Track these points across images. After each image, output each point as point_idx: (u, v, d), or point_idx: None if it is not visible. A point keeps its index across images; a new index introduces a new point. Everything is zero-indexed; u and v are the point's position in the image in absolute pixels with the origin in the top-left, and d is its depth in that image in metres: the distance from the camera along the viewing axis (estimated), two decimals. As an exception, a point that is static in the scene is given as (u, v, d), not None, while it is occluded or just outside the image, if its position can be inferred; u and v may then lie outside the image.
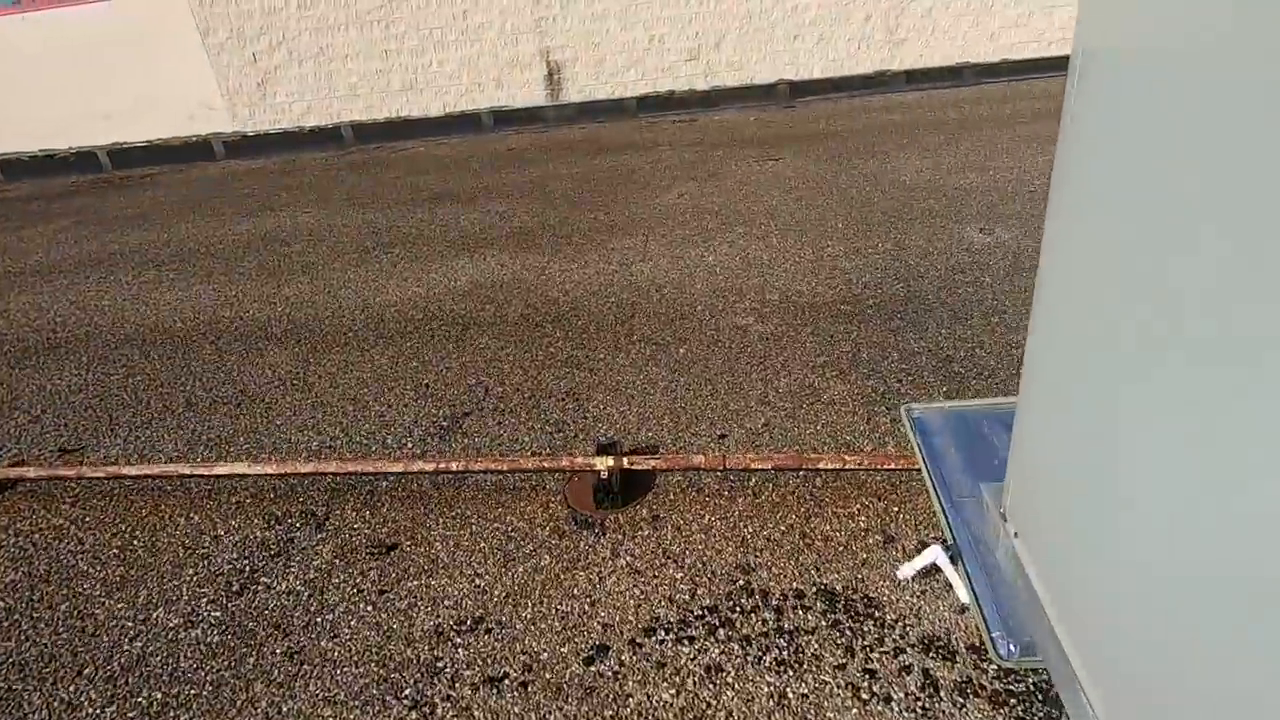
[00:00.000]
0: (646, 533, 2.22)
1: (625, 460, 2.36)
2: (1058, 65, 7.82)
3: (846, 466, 2.29)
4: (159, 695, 1.85)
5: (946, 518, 2.03)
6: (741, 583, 2.02)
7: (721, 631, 1.88)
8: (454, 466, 2.42)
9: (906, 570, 1.95)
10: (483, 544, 2.23)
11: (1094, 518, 1.14)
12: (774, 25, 7.71)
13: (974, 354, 2.98)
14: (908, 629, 1.85)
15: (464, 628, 1.95)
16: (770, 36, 7.77)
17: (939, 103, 7.20)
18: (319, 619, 2.02)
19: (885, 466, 2.29)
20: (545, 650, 1.87)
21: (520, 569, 2.13)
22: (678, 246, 4.35)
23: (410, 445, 2.75)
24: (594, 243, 4.55)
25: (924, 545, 2.09)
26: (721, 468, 2.33)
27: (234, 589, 2.15)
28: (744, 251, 4.18)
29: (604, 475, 2.32)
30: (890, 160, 5.52)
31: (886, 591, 1.96)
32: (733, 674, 1.76)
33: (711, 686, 1.74)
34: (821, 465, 2.29)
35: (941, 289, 3.53)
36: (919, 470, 2.23)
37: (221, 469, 2.52)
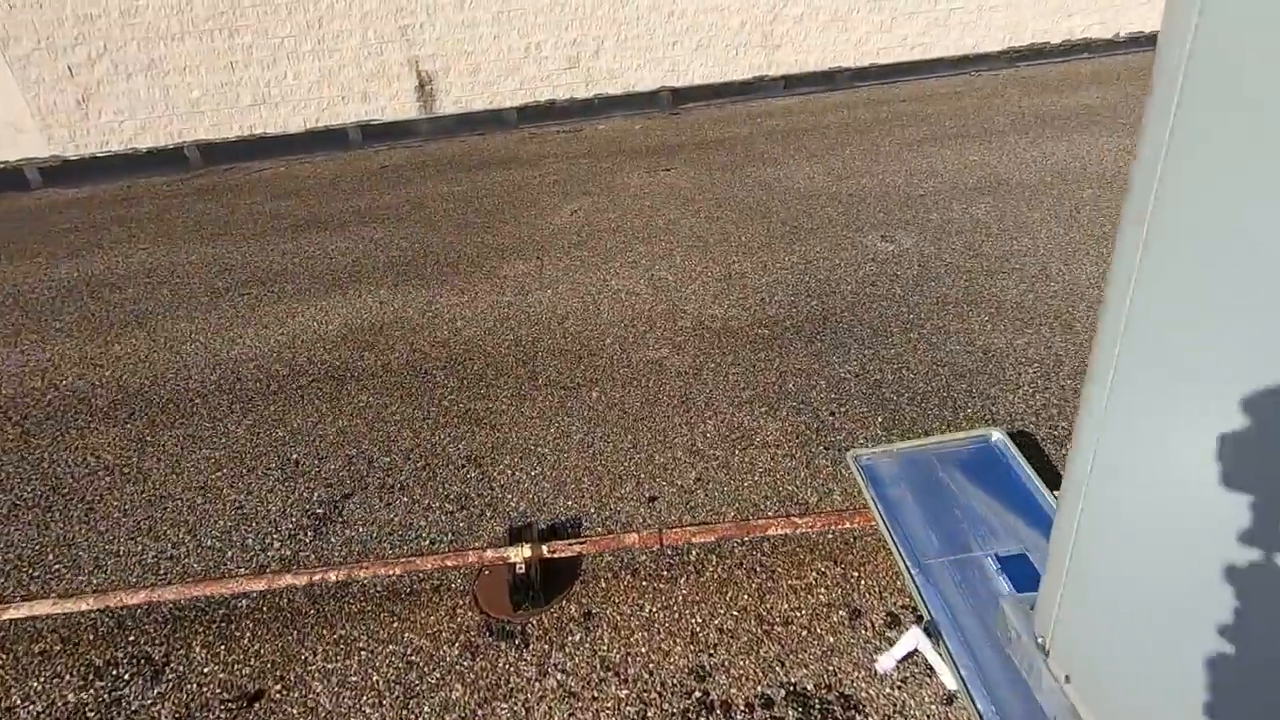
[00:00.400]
0: (578, 637, 1.83)
1: (545, 547, 1.96)
2: (920, 68, 8.01)
3: (798, 530, 1.99)
4: None
5: (917, 586, 1.76)
6: (698, 694, 1.67)
7: (683, 768, 1.52)
8: (334, 576, 1.94)
9: (886, 662, 1.66)
10: (376, 677, 1.77)
11: (1209, 667, 0.86)
12: (652, 32, 7.45)
13: (901, 376, 2.78)
14: (896, 734, 1.56)
15: (357, 807, 1.49)
16: (649, 43, 7.50)
17: (818, 107, 7.18)
18: (156, 821, 1.50)
19: (840, 526, 2.01)
20: (466, 828, 1.45)
21: (426, 708, 1.68)
22: (577, 270, 3.97)
23: (278, 545, 2.22)
24: (484, 270, 4.08)
25: (893, 618, 1.82)
26: (658, 545, 1.98)
27: (33, 789, 1.58)
28: (649, 273, 3.85)
29: (521, 569, 1.91)
30: (782, 167, 5.36)
31: (863, 685, 1.67)
32: (704, 829, 1.41)
33: None
34: (770, 532, 1.98)
35: (856, 304, 3.34)
36: (874, 524, 1.97)
37: (18, 611, 1.91)
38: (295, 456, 2.63)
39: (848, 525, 2.00)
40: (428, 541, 2.18)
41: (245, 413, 2.92)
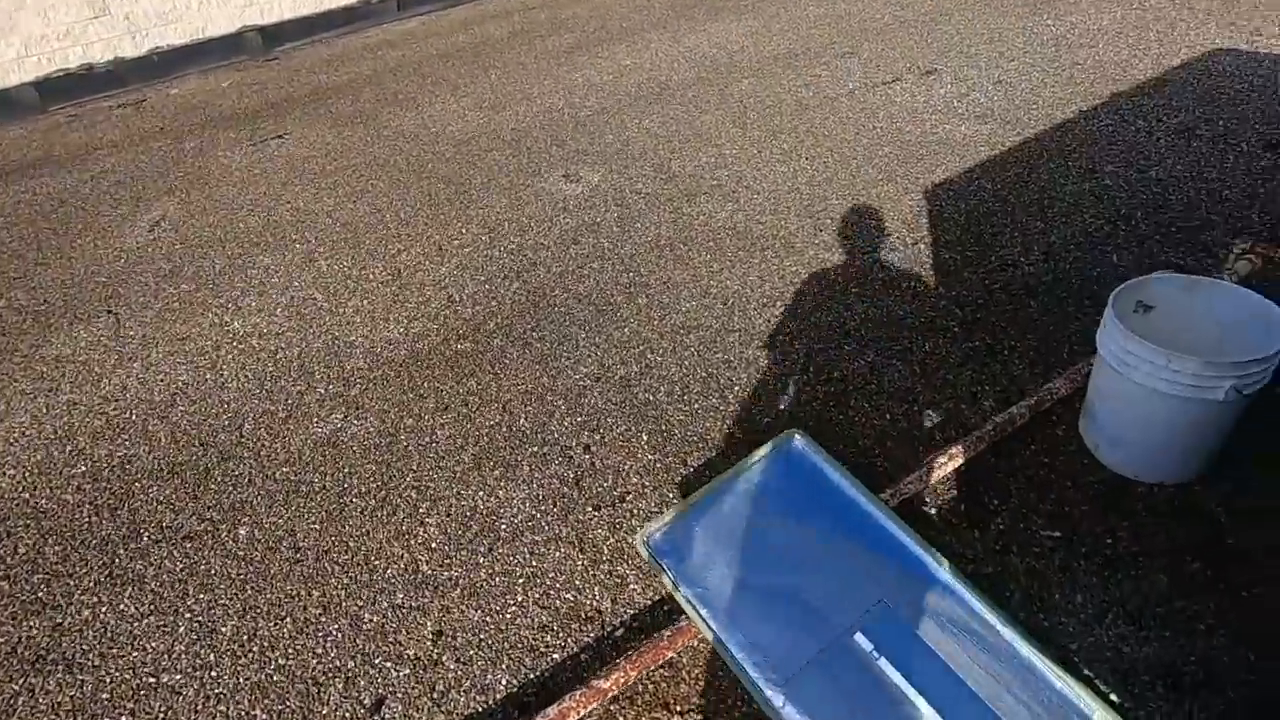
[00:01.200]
0: None
1: None
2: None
3: (608, 694, 1.29)
4: None
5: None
6: None
7: None
8: None
9: None
10: None
11: None
12: (203, -46, 5.51)
13: (648, 362, 2.16)
14: None
15: None
16: (205, -30, 5.56)
17: (442, 27, 6.02)
18: None
19: (660, 658, 1.35)
20: None
21: None
22: (176, 317, 2.64)
23: None
24: (18, 356, 2.55)
25: (772, 772, 1.23)
26: (406, 831, 1.14)
27: None
28: (287, 295, 2.68)
29: None
30: (423, 109, 4.28)
31: None
32: None
33: None
34: (572, 718, 1.25)
35: (565, 274, 2.61)
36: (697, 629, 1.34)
37: None
38: None
39: (667, 654, 1.35)
40: None
41: None
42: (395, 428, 2.03)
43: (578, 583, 1.57)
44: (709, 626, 1.31)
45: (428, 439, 1.98)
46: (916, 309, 2.22)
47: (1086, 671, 1.29)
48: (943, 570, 1.36)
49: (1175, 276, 1.63)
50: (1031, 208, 2.60)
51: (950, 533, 1.56)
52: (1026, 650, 1.25)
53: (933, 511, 1.60)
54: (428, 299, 2.57)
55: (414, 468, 1.90)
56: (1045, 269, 2.30)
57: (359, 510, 1.80)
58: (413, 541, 1.71)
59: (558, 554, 1.63)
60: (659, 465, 1.82)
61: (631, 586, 1.55)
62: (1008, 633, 1.28)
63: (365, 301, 2.60)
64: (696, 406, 1.98)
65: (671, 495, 1.73)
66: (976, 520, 1.57)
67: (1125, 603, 1.39)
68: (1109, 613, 1.38)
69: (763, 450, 1.61)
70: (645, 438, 1.90)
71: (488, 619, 1.52)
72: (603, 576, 1.57)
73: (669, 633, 1.34)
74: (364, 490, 1.85)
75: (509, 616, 1.52)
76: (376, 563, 1.67)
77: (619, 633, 1.46)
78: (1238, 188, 2.55)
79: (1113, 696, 1.25)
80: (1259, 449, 1.59)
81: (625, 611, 1.50)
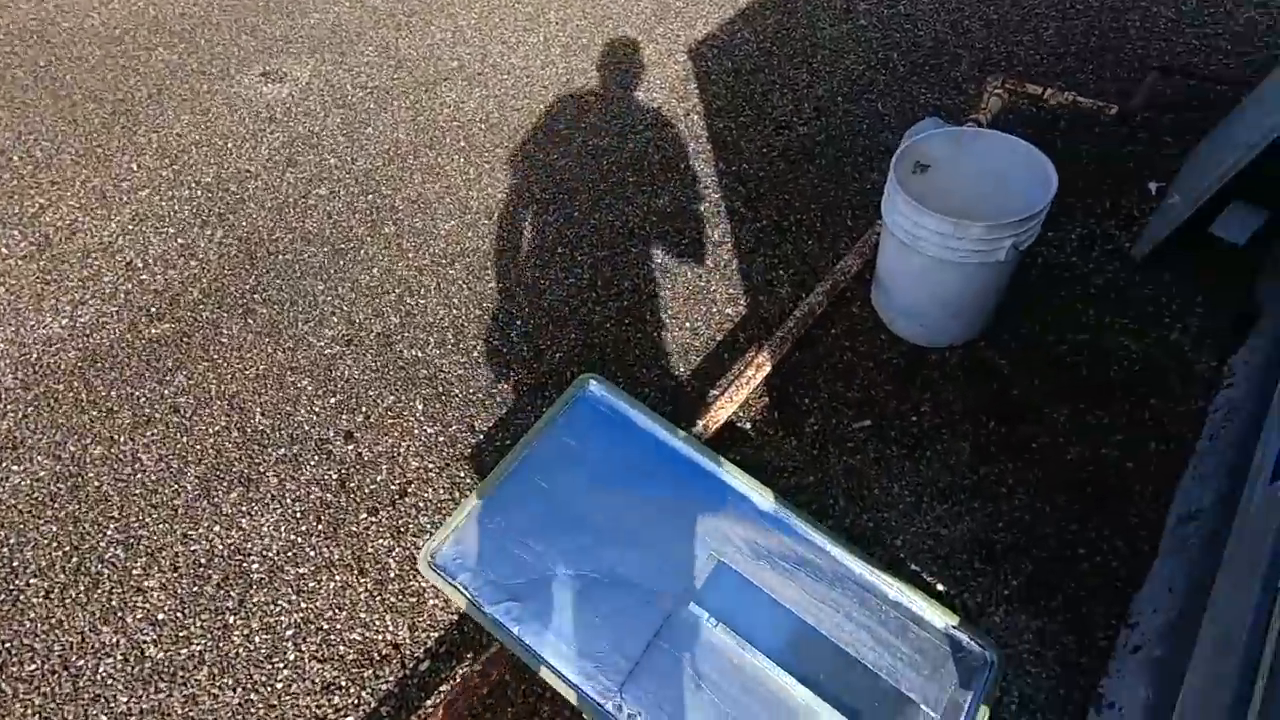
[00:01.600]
0: None
1: None
2: None
3: (418, 763, 1.03)
4: None
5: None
6: None
7: None
8: None
9: None
10: None
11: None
12: None
13: (409, 307, 1.75)
14: None
15: None
16: None
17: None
18: None
19: (479, 696, 1.11)
20: None
21: None
22: None
23: None
24: None
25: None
26: None
27: None
28: None
29: None
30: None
31: None
32: None
33: None
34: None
35: (284, 208, 2.03)
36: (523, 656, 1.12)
37: None
38: None
39: (483, 690, 1.11)
40: None
41: None
42: (78, 462, 1.49)
43: (364, 615, 1.25)
44: (525, 646, 1.08)
45: (129, 469, 1.48)
46: (699, 192, 1.99)
47: (914, 567, 1.25)
48: (767, 501, 1.23)
49: (945, 131, 1.52)
50: (796, 58, 2.41)
51: (768, 446, 1.43)
52: (858, 566, 1.17)
53: (748, 426, 1.46)
54: (97, 271, 1.89)
55: (115, 514, 1.41)
56: (818, 127, 2.15)
57: (42, 593, 1.31)
58: (130, 618, 1.27)
59: (333, 584, 1.29)
60: (442, 439, 1.49)
61: (431, 602, 1.26)
62: (838, 552, 1.19)
63: (1, 290, 1.86)
64: (475, 355, 1.64)
65: (463, 474, 1.43)
66: (791, 425, 1.46)
67: (937, 481, 1.36)
68: (924, 496, 1.34)
69: (555, 406, 1.34)
70: (420, 406, 1.55)
71: (253, 697, 1.17)
72: (393, 599, 1.27)
73: (479, 662, 1.09)
74: (45, 564, 1.35)
75: (281, 685, 1.18)
76: (81, 661, 1.23)
77: (425, 666, 1.19)
78: (975, 17, 2.53)
79: (939, 587, 1.22)
80: (1025, 300, 1.60)
81: (428, 636, 1.22)
